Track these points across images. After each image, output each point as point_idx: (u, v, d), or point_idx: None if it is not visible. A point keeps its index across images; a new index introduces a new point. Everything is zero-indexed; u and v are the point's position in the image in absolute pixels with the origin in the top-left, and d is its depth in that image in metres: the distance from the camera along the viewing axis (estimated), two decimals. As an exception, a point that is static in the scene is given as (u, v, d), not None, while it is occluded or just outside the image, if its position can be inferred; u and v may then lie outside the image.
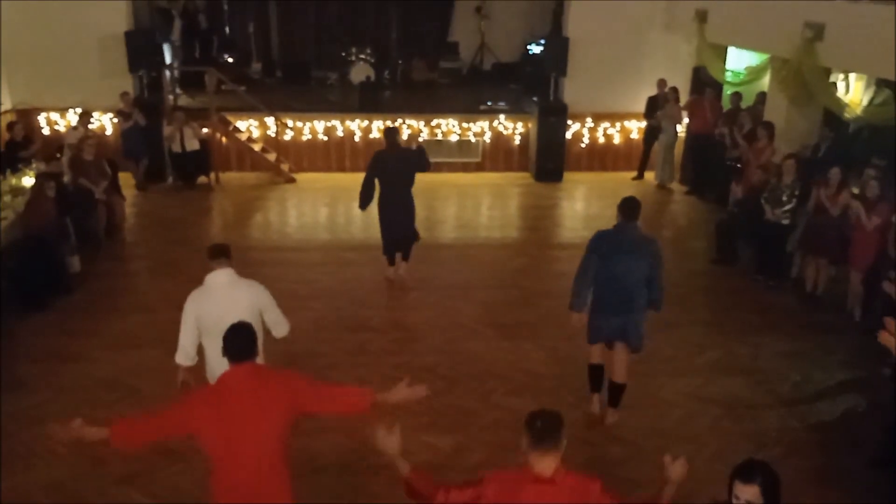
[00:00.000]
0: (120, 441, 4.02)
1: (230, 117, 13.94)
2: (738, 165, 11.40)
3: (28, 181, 10.06)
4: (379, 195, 9.01)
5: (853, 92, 12.00)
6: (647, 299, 6.31)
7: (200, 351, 5.50)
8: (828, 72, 10.62)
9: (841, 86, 11.82)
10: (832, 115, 10.96)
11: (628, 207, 6.18)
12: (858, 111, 10.84)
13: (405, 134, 13.39)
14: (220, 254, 5.38)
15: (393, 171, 8.88)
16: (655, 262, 6.23)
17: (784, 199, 9.24)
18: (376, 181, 8.97)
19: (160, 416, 4.04)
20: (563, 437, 3.44)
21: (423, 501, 3.60)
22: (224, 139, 13.90)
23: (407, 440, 6.23)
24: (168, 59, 13.85)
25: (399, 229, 9.12)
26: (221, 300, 5.17)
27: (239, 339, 3.98)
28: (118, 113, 12.96)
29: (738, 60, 13.54)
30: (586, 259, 6.30)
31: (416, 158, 9.02)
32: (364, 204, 9.06)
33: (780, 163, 9.57)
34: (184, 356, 5.43)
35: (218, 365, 4.78)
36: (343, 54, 16.43)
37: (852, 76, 11.86)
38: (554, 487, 3.39)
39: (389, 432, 3.76)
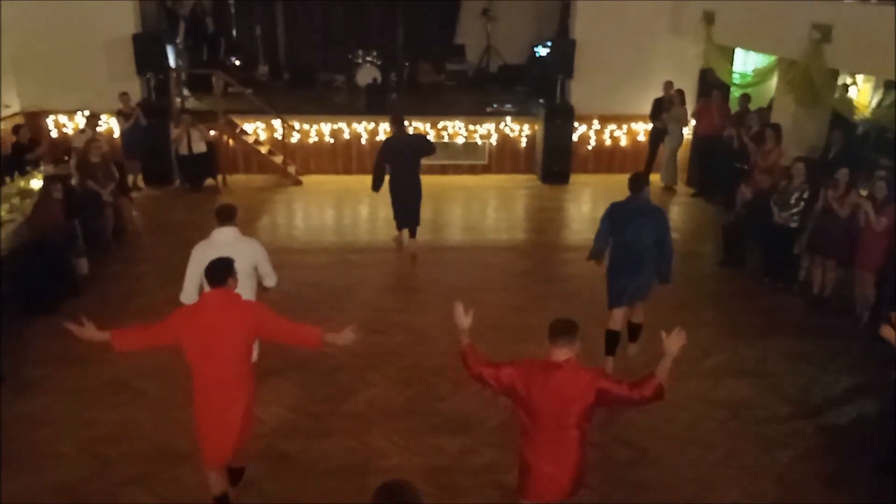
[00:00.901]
0: (119, 341, 4.97)
1: (237, 120, 13.97)
2: (745, 167, 11.38)
3: (36, 184, 10.09)
4: (389, 177, 10.04)
5: (860, 94, 11.96)
6: (657, 270, 7.16)
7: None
8: (835, 74, 10.59)
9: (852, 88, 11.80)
10: (840, 118, 10.93)
11: (635, 181, 7.19)
12: (867, 113, 10.80)
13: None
14: (228, 217, 6.33)
15: (400, 154, 9.91)
16: (663, 226, 7.10)
17: (792, 201, 9.21)
18: (387, 166, 10.01)
19: (152, 326, 5.00)
20: (576, 339, 4.48)
21: (471, 372, 4.66)
22: (231, 141, 13.93)
23: (413, 442, 6.29)
24: (171, 61, 13.87)
25: (408, 203, 10.19)
26: (224, 253, 5.45)
27: (217, 268, 4.87)
28: (118, 113, 12.99)
29: (746, 62, 13.52)
30: (602, 224, 7.36)
31: (421, 143, 10.13)
32: (376, 186, 10.15)
33: (789, 165, 9.53)
34: (186, 296, 6.22)
35: None
36: (349, 57, 16.45)
37: (860, 78, 11.82)
38: (561, 370, 4.38)
39: (466, 314, 4.68)
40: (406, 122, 10.41)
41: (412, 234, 10.55)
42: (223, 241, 6.13)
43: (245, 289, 5.96)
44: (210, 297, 4.90)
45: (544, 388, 4.37)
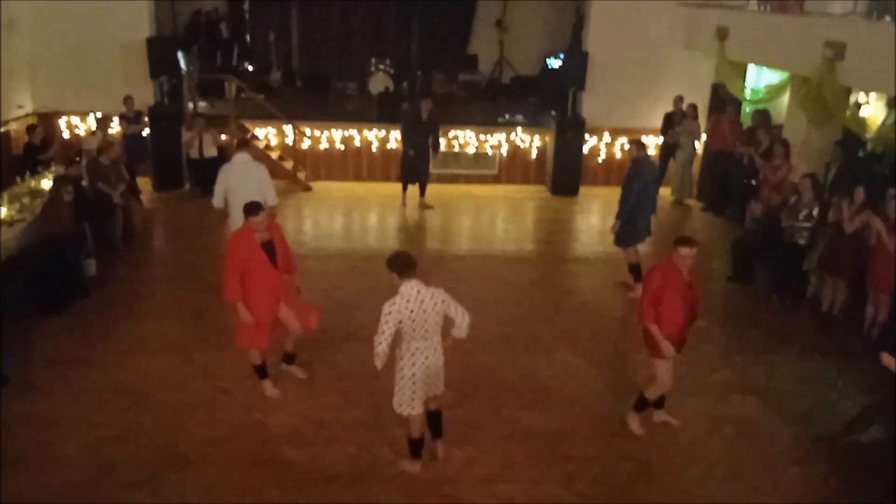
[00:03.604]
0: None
1: (249, 125, 14.01)
2: (754, 183, 11.35)
3: (46, 184, 10.14)
4: (404, 145, 12.75)
5: (872, 111, 11.90)
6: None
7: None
8: (848, 91, 10.55)
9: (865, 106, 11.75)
10: (850, 136, 10.90)
11: (641, 144, 9.71)
12: (873, 132, 10.76)
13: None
14: (245, 145, 9.03)
15: (416, 128, 12.61)
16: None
17: (801, 218, 9.18)
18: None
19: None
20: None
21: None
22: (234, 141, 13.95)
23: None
24: (183, 65, 13.93)
25: (416, 164, 12.70)
26: (241, 171, 8.46)
27: (252, 204, 6.54)
28: (120, 117, 13.04)
29: (758, 78, 13.49)
30: (644, 186, 9.47)
31: (434, 126, 12.69)
32: (407, 149, 12.72)
33: (797, 181, 9.51)
34: (216, 200, 8.61)
35: (235, 211, 8.16)
36: (363, 65, 16.49)
37: (872, 96, 11.77)
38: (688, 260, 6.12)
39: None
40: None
41: (422, 193, 13.02)
42: (240, 162, 8.52)
43: (254, 198, 7.72)
44: (253, 220, 6.48)
45: None
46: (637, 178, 9.47)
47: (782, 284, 9.67)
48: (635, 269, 9.63)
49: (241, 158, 8.54)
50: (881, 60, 9.18)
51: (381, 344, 5.56)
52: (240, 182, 8.30)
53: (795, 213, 9.25)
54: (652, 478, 6.20)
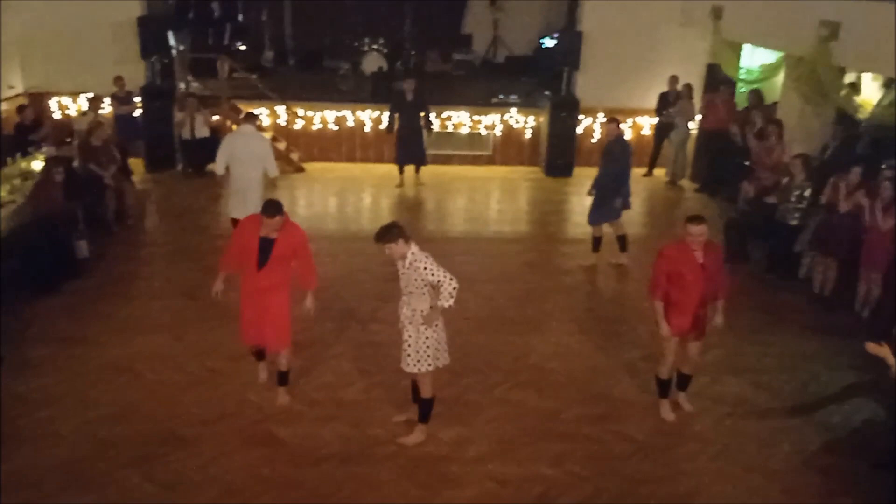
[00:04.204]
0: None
1: (241, 105, 13.94)
2: (748, 164, 11.36)
3: (38, 165, 10.09)
4: (398, 125, 12.60)
5: (867, 92, 11.91)
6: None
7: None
8: (842, 71, 10.55)
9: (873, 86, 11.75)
10: (845, 116, 10.90)
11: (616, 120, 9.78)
12: (869, 112, 10.77)
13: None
14: (251, 118, 9.19)
15: (407, 108, 12.52)
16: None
17: (794, 198, 9.20)
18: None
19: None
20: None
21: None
22: (234, 127, 13.86)
23: (410, 431, 6.29)
24: (173, 44, 13.83)
25: (409, 144, 12.70)
26: (245, 141, 8.80)
27: (272, 203, 6.18)
28: (112, 97, 12.95)
29: (753, 58, 13.46)
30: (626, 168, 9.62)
31: (423, 106, 12.68)
32: (390, 129, 12.76)
33: (789, 162, 9.53)
34: (217, 167, 8.79)
35: (235, 179, 8.76)
36: (356, 44, 16.40)
37: (867, 76, 11.78)
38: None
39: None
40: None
41: (417, 171, 13.18)
42: (245, 132, 8.91)
43: (256, 170, 8.82)
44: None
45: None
46: (625, 159, 9.54)
47: (775, 265, 9.70)
48: (622, 240, 9.93)
49: (247, 129, 8.92)
50: (875, 40, 9.18)
51: (452, 279, 5.67)
52: (244, 150, 8.69)
53: (788, 193, 9.27)
54: (644, 456, 6.23)
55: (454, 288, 5.68)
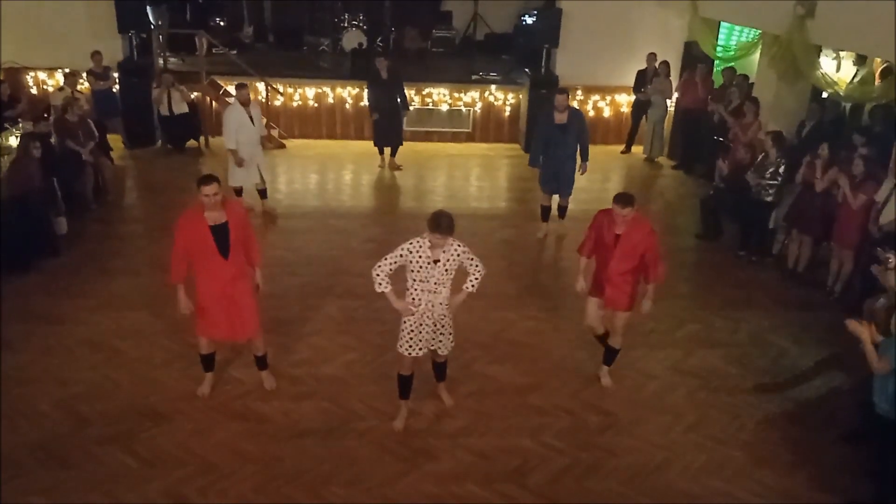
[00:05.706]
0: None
1: (221, 81, 13.86)
2: (722, 140, 11.45)
3: (15, 141, 10.00)
4: (376, 107, 12.44)
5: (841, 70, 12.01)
6: None
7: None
8: (819, 49, 10.63)
9: (832, 64, 11.84)
10: (821, 93, 11.00)
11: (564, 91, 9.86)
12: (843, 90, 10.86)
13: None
14: (242, 87, 10.10)
15: (383, 87, 12.42)
16: None
17: (768, 175, 9.30)
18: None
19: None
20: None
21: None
22: (214, 103, 13.82)
23: (389, 405, 6.37)
24: (151, 19, 13.68)
25: (387, 126, 12.56)
26: (245, 110, 9.90)
27: (206, 176, 5.91)
28: (88, 73, 12.84)
29: (730, 36, 13.51)
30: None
31: (398, 85, 12.54)
32: (373, 110, 12.56)
33: (763, 139, 9.64)
34: (229, 143, 9.87)
35: (244, 146, 9.95)
36: (336, 20, 16.29)
37: (843, 54, 11.87)
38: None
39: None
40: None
41: (393, 154, 12.97)
42: (242, 101, 9.91)
43: (254, 133, 10.07)
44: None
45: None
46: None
47: (749, 241, 9.83)
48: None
49: (243, 97, 9.98)
50: (851, 19, 9.25)
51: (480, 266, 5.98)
52: (247, 119, 9.88)
53: (762, 170, 9.38)
54: (618, 429, 6.35)
55: (482, 273, 5.92)
